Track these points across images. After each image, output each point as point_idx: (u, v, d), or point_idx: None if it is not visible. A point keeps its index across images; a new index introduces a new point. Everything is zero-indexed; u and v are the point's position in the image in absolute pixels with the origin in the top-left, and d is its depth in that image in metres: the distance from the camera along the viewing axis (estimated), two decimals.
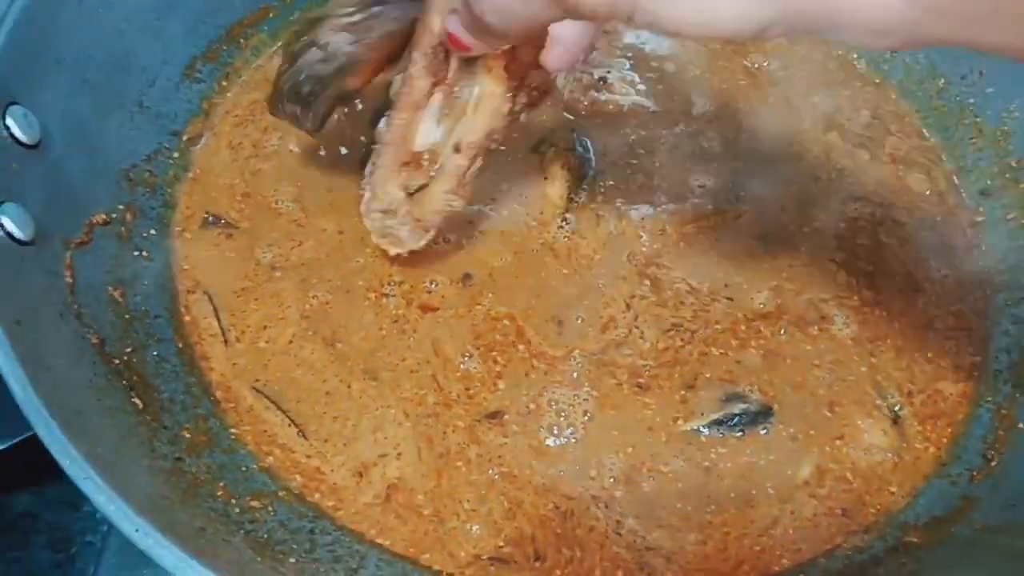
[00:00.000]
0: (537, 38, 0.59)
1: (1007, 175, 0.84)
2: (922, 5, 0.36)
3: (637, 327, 0.74)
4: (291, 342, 0.72)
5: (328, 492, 0.66)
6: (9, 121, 0.62)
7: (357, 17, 0.70)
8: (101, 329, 0.65)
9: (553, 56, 0.59)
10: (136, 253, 0.73)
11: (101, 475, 0.50)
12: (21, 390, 0.52)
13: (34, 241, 0.62)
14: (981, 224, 0.83)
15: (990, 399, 0.73)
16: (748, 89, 0.93)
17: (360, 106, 0.77)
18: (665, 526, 0.66)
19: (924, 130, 0.90)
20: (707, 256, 0.79)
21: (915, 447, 0.70)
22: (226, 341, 0.72)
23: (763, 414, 0.71)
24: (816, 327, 0.76)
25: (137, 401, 0.63)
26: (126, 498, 0.50)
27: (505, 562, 0.64)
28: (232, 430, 0.68)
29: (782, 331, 0.75)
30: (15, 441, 0.72)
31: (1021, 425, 0.70)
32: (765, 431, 0.70)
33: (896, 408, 0.72)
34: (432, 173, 0.68)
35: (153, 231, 0.76)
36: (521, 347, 0.73)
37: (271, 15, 0.90)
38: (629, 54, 0.94)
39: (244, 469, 0.65)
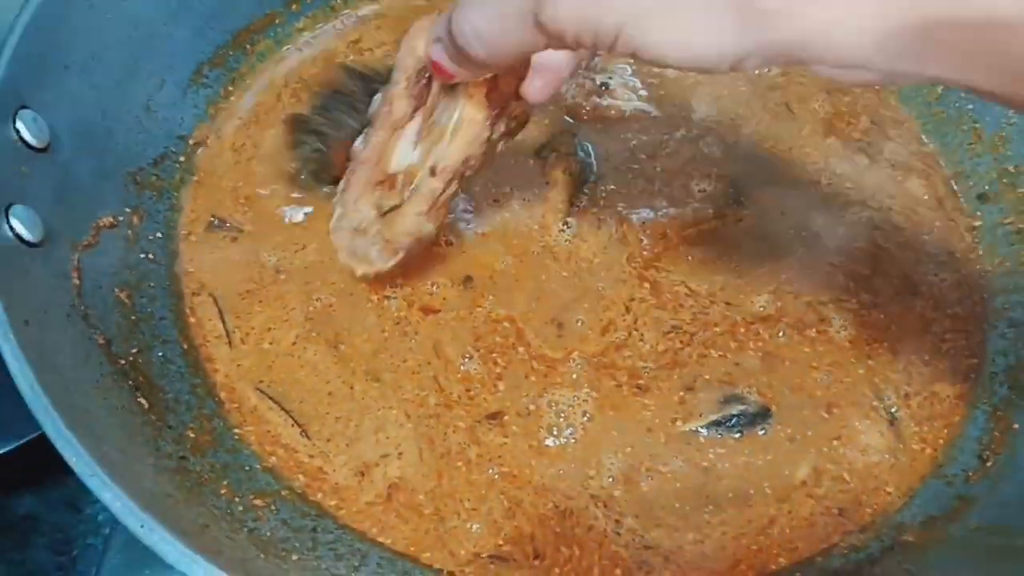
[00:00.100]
0: (519, 68, 0.59)
1: (1005, 180, 0.84)
2: (895, 45, 0.37)
3: (637, 330, 0.75)
4: (294, 344, 0.73)
5: (330, 491, 0.67)
6: (19, 125, 0.63)
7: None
8: (107, 330, 0.66)
9: (533, 88, 0.59)
10: (143, 255, 0.74)
11: (107, 472, 0.51)
12: (29, 389, 0.53)
13: (42, 243, 0.62)
14: (979, 229, 0.84)
15: (986, 401, 0.73)
16: (748, 95, 0.93)
17: None
18: (663, 525, 0.66)
19: (923, 136, 0.90)
20: (707, 259, 0.79)
21: (912, 448, 0.71)
22: (230, 343, 0.73)
23: (761, 415, 0.71)
24: (814, 329, 0.76)
25: (143, 401, 0.64)
26: (131, 495, 0.51)
27: (505, 560, 0.65)
28: (236, 430, 0.69)
29: (780, 333, 0.76)
30: (18, 444, 0.73)
31: (1017, 426, 0.70)
32: (763, 432, 0.71)
33: (893, 410, 0.72)
34: (406, 195, 0.67)
35: (159, 234, 0.76)
36: (521, 349, 0.73)
37: (277, 21, 0.91)
38: (631, 60, 0.95)
39: (247, 468, 0.66)
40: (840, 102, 0.93)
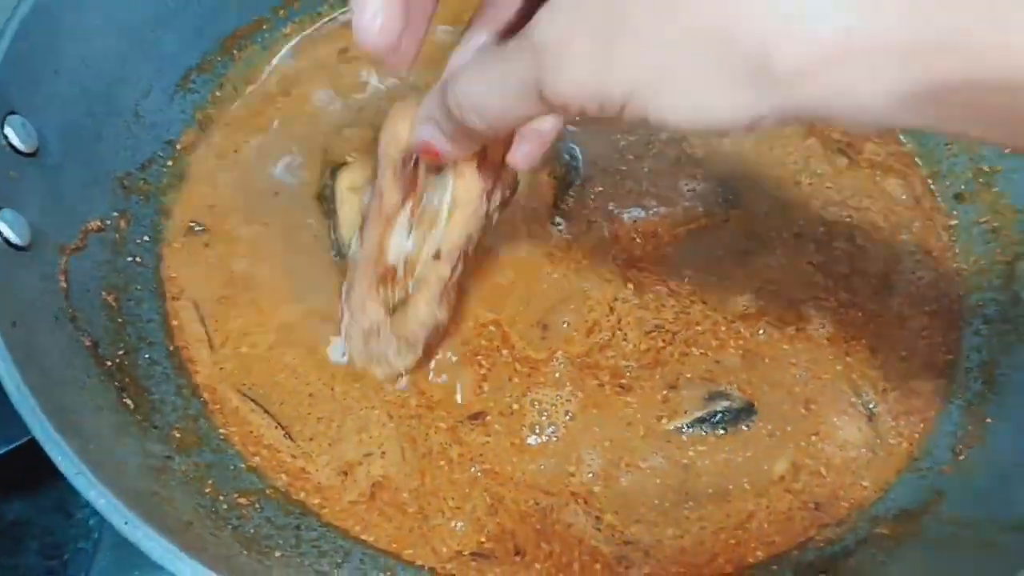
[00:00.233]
0: (509, 137, 0.57)
1: (980, 180, 0.85)
2: (910, 107, 0.36)
3: (620, 330, 0.76)
4: (271, 348, 0.74)
5: (313, 491, 0.68)
6: (7, 130, 0.64)
7: None
8: (94, 332, 0.66)
9: (520, 155, 0.57)
10: (129, 259, 0.75)
11: (93, 471, 0.52)
12: (16, 390, 0.54)
13: (30, 246, 0.63)
14: (955, 228, 0.85)
15: (960, 396, 0.74)
16: None
17: None
18: (643, 521, 0.67)
19: (901, 136, 0.91)
20: (692, 259, 0.80)
21: (888, 443, 0.72)
22: (211, 346, 0.73)
23: (746, 411, 0.72)
24: (794, 327, 0.77)
25: (129, 402, 0.64)
26: (116, 493, 0.51)
27: (487, 557, 0.66)
28: (220, 431, 0.69)
29: (761, 331, 0.76)
30: (9, 448, 0.73)
31: (989, 420, 0.71)
32: (747, 427, 0.71)
33: (871, 405, 0.73)
34: (410, 286, 0.65)
35: (146, 237, 0.77)
36: (505, 352, 0.74)
37: (264, 27, 0.91)
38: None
39: (232, 468, 0.67)
40: None
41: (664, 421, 0.71)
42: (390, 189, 0.62)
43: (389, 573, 0.63)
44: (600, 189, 0.84)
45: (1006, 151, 0.84)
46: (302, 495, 0.67)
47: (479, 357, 0.74)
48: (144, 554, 0.51)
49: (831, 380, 0.74)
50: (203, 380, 0.72)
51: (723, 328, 0.77)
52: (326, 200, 0.81)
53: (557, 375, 0.73)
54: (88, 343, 0.65)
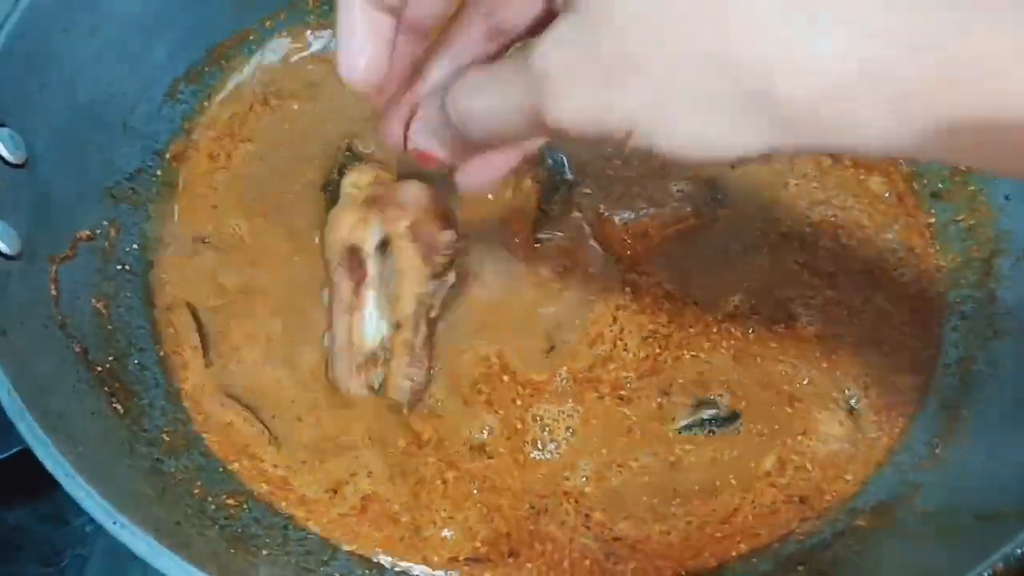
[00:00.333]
0: (441, 217, 0.64)
1: (956, 179, 0.86)
2: (921, 142, 0.36)
3: (622, 339, 0.76)
4: (265, 360, 0.74)
5: (297, 503, 0.68)
6: None
7: None
8: (84, 339, 0.67)
9: (467, 178, 0.54)
10: (119, 267, 0.75)
11: (83, 474, 0.53)
12: (6, 395, 0.55)
13: (20, 256, 0.64)
14: (933, 226, 0.86)
15: (938, 391, 0.75)
16: None
17: None
18: (631, 518, 0.68)
19: None
20: (683, 260, 0.81)
21: (869, 437, 0.73)
22: (204, 354, 0.74)
23: (730, 419, 0.73)
24: (783, 325, 0.78)
25: (118, 407, 0.65)
26: (105, 494, 0.52)
27: (481, 561, 0.66)
28: (207, 435, 0.70)
29: (750, 331, 0.77)
30: (5, 456, 0.75)
31: (965, 414, 0.72)
32: (735, 432, 0.72)
33: (852, 401, 0.74)
34: (383, 364, 0.69)
35: (136, 246, 0.78)
36: (506, 378, 0.74)
37: (251, 37, 0.92)
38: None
39: (220, 471, 0.67)
40: None
41: (655, 426, 0.72)
42: (341, 279, 0.70)
43: (376, 570, 0.63)
44: (588, 192, 0.85)
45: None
46: (283, 505, 0.67)
47: (479, 385, 0.74)
48: (136, 559, 0.52)
49: (817, 377, 0.75)
50: (190, 388, 0.72)
51: (715, 329, 0.77)
52: (329, 196, 0.82)
53: (560, 391, 0.73)
54: (78, 349, 0.66)
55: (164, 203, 0.82)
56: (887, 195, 0.88)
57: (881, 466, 0.71)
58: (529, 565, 0.66)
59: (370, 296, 0.69)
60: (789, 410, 0.74)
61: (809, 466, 0.71)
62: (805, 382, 0.75)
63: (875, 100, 0.35)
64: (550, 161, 0.86)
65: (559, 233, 0.82)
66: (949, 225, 0.85)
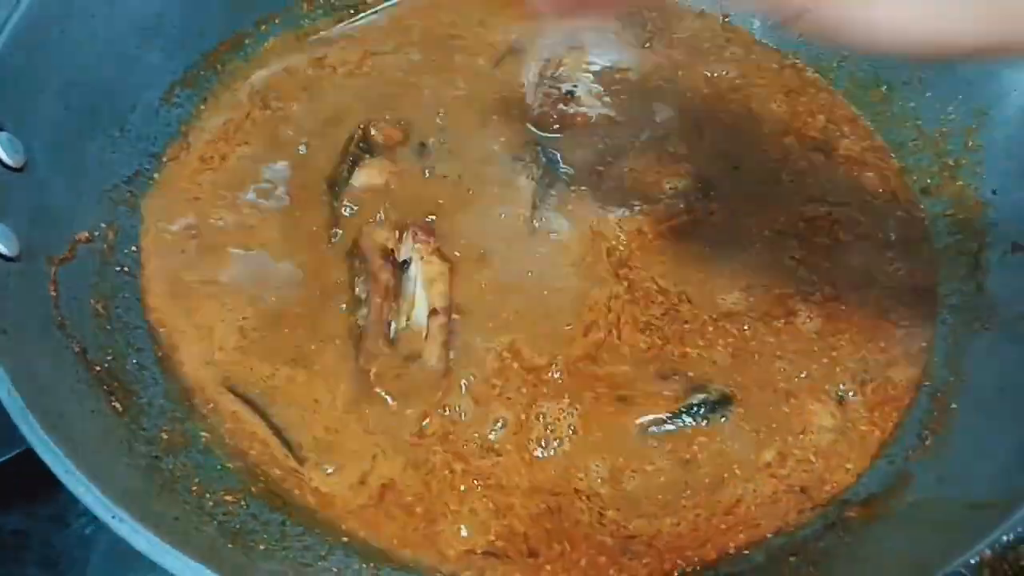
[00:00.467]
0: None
1: (945, 173, 0.87)
2: None
3: (617, 329, 0.77)
4: (265, 352, 0.74)
5: (311, 493, 0.68)
6: None
7: None
8: (83, 339, 0.68)
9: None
10: (117, 268, 0.76)
11: (82, 471, 0.53)
12: (6, 394, 0.56)
13: (19, 257, 0.65)
14: (923, 220, 0.86)
15: (929, 384, 0.75)
16: (710, 97, 0.96)
17: None
18: (645, 515, 0.68)
19: (874, 132, 0.93)
20: (680, 255, 0.82)
21: (861, 429, 0.73)
22: (203, 351, 0.74)
23: (722, 403, 0.73)
24: (782, 320, 0.78)
25: (117, 405, 0.66)
26: (104, 491, 0.53)
27: (498, 556, 0.66)
28: (205, 434, 0.70)
29: (747, 327, 0.78)
30: (4, 459, 0.75)
31: (955, 406, 0.72)
32: (724, 419, 0.73)
33: (851, 394, 0.75)
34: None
35: (133, 247, 0.78)
36: (516, 365, 0.75)
37: (246, 41, 0.93)
38: (595, 68, 0.97)
39: (219, 468, 0.68)
40: (797, 102, 0.96)
41: (646, 416, 0.73)
42: (381, 269, 0.78)
43: (373, 564, 0.64)
44: (582, 189, 0.86)
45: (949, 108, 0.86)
46: (296, 494, 0.68)
47: (492, 380, 0.74)
48: (137, 560, 0.52)
49: (816, 371, 0.76)
50: (192, 383, 0.73)
51: (711, 326, 0.78)
52: (337, 191, 0.84)
53: (559, 385, 0.74)
54: (77, 349, 0.67)
55: (159, 204, 0.82)
56: (880, 191, 0.89)
57: (875, 458, 0.71)
58: (548, 567, 0.66)
59: (406, 285, 0.77)
60: (787, 407, 0.74)
61: (812, 458, 0.71)
62: (804, 377, 0.76)
63: None
64: (544, 159, 0.87)
65: (554, 228, 0.83)
66: (938, 219, 0.86)
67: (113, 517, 0.51)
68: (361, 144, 0.87)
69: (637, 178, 0.87)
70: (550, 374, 0.74)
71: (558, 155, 0.88)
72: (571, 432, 0.71)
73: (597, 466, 0.70)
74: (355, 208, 0.83)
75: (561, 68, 0.97)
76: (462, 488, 0.69)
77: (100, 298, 0.73)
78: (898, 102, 0.93)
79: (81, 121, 0.77)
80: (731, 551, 0.66)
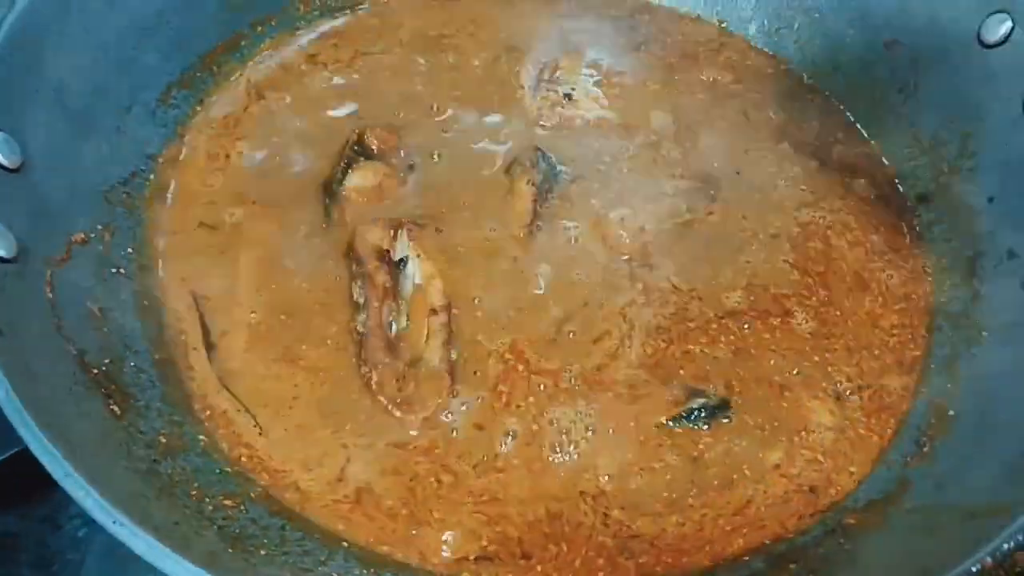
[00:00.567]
0: None
1: (940, 180, 0.87)
2: None
3: (630, 336, 0.77)
4: (272, 361, 0.74)
5: (292, 490, 0.68)
6: None
7: None
8: (81, 341, 0.67)
9: None
10: (114, 270, 0.76)
11: (81, 474, 0.53)
12: (4, 396, 0.55)
13: (16, 259, 0.64)
14: (918, 227, 0.87)
15: (926, 391, 0.76)
16: (706, 102, 0.97)
17: None
18: (650, 513, 0.68)
19: (869, 139, 0.94)
20: (683, 256, 0.83)
21: (859, 431, 0.74)
22: (205, 351, 0.74)
23: (721, 408, 0.74)
24: (779, 319, 0.79)
25: (115, 408, 0.65)
26: (103, 494, 0.52)
27: (491, 560, 0.66)
28: (203, 438, 0.70)
29: (746, 326, 0.79)
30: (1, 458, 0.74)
31: (952, 413, 0.73)
32: (727, 420, 0.73)
33: (848, 393, 0.76)
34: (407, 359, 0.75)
35: (130, 249, 0.78)
36: (521, 367, 0.75)
37: (242, 43, 0.93)
38: (592, 72, 0.98)
39: (218, 472, 0.68)
40: (792, 108, 0.96)
41: (653, 418, 0.73)
42: (377, 271, 0.78)
43: (373, 569, 0.64)
44: (582, 191, 0.87)
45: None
46: (277, 490, 0.68)
47: (499, 386, 0.74)
48: (132, 562, 0.52)
49: (812, 369, 0.77)
50: (193, 386, 0.73)
51: (714, 325, 0.79)
52: (332, 192, 0.84)
53: (572, 391, 0.74)
54: (74, 352, 0.66)
55: (158, 205, 0.82)
56: (873, 196, 0.89)
57: (875, 463, 0.72)
58: (539, 568, 0.66)
59: (404, 284, 0.78)
60: (786, 404, 0.75)
61: (821, 458, 0.72)
62: (800, 379, 0.76)
63: None
64: (543, 163, 0.87)
65: (555, 230, 0.83)
66: (934, 226, 0.87)
67: (114, 522, 0.51)
68: (356, 147, 0.87)
69: (635, 179, 0.88)
70: (562, 382, 0.74)
71: (553, 157, 0.89)
72: (590, 433, 0.72)
73: (606, 464, 0.70)
74: (350, 210, 0.83)
75: (559, 71, 0.97)
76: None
77: (97, 300, 0.72)
78: (893, 109, 0.93)
79: (77, 122, 0.76)
80: (731, 556, 0.67)
